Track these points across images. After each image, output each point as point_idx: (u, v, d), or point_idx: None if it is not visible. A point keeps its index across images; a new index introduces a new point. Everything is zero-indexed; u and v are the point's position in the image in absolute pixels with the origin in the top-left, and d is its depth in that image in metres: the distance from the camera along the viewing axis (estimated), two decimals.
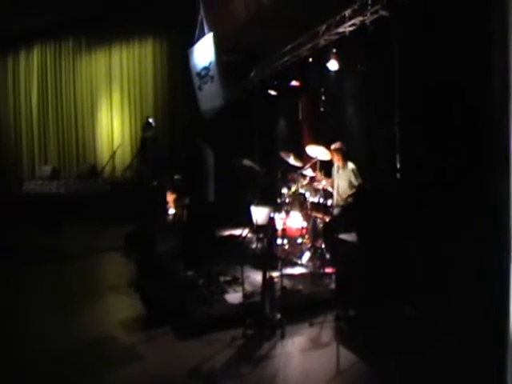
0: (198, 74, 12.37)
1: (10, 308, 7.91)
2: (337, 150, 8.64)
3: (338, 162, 8.69)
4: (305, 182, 9.20)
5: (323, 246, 8.36)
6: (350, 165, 8.56)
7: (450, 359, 5.06)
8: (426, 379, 4.94)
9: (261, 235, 8.90)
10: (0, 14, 16.89)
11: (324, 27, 9.21)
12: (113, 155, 15.38)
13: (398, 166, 7.43)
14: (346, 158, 8.63)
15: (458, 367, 4.91)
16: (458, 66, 6.22)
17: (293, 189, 9.18)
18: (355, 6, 8.23)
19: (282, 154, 9.83)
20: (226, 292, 7.25)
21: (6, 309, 7.85)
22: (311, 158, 9.16)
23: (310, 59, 10.19)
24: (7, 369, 5.68)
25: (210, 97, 11.93)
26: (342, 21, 8.63)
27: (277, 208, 8.94)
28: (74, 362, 5.74)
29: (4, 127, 21.18)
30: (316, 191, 8.93)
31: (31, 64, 20.81)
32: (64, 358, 5.83)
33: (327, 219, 8.50)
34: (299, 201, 9.03)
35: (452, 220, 6.16)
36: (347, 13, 8.45)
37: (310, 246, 8.71)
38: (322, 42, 9.50)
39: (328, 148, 8.78)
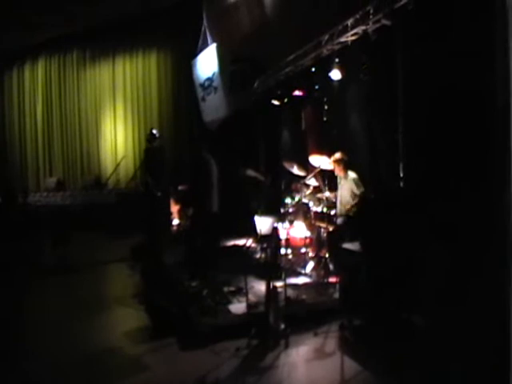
0: (202, 85, 12.44)
1: (13, 320, 7.93)
2: (337, 161, 8.55)
3: (339, 172, 8.60)
4: (308, 192, 9.19)
5: (327, 255, 8.34)
6: (352, 174, 8.49)
7: (458, 369, 5.03)
8: None
9: (265, 245, 8.84)
10: (5, 29, 17.09)
11: (327, 37, 9.20)
12: (117, 166, 15.45)
13: (401, 174, 7.43)
14: (346, 168, 8.54)
15: (465, 377, 4.88)
16: (461, 73, 6.22)
17: (296, 198, 9.18)
18: (357, 16, 8.24)
19: (286, 164, 9.83)
20: (230, 302, 7.24)
21: (9, 321, 7.88)
22: (315, 167, 9.14)
23: (313, 69, 10.19)
24: (14, 380, 5.69)
25: (213, 107, 12.00)
26: (345, 30, 8.63)
27: (281, 218, 8.94)
28: (79, 372, 5.73)
29: (9, 139, 21.30)
30: (319, 201, 8.91)
31: (36, 76, 20.97)
32: (69, 368, 5.83)
33: (331, 229, 8.48)
34: (303, 210, 9.02)
35: (456, 228, 6.15)
36: (349, 22, 8.45)
37: (313, 255, 8.68)
38: (324, 51, 9.50)
39: (331, 157, 8.76)
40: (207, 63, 12.00)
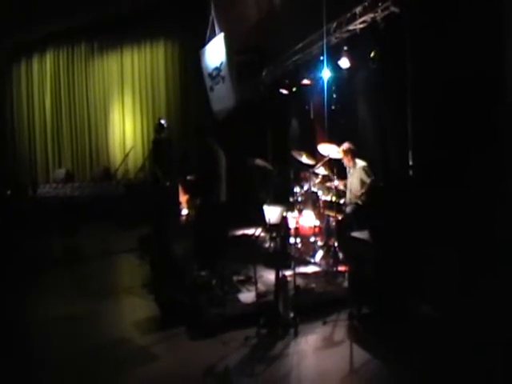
0: (210, 75, 12.37)
1: (23, 310, 7.96)
2: (345, 151, 8.55)
3: (347, 162, 8.61)
4: (317, 181, 9.16)
5: (336, 244, 8.31)
6: (360, 163, 8.46)
7: (466, 358, 5.01)
8: (440, 379, 4.88)
9: (274, 234, 8.87)
10: (13, 22, 17.07)
11: (335, 25, 9.14)
12: (125, 157, 15.44)
13: (411, 163, 7.39)
14: (354, 157, 8.51)
15: (473, 366, 4.86)
16: (470, 62, 6.17)
17: (305, 187, 9.15)
18: (366, 3, 8.17)
19: (295, 153, 9.79)
20: (239, 291, 7.26)
21: (20, 311, 7.91)
22: (323, 156, 9.10)
23: (322, 57, 10.12)
24: (24, 368, 5.71)
25: (221, 97, 11.93)
26: (353, 18, 8.58)
27: (290, 207, 8.92)
28: (89, 362, 5.75)
29: (18, 132, 21.34)
30: (328, 190, 8.89)
31: (44, 68, 20.96)
32: (79, 358, 5.85)
33: (340, 217, 8.45)
34: (312, 199, 9.00)
35: (465, 217, 6.12)
36: (358, 10, 8.40)
37: (322, 244, 8.68)
38: (333, 39, 9.43)
39: (340, 146, 8.71)
40: (215, 53, 11.93)
